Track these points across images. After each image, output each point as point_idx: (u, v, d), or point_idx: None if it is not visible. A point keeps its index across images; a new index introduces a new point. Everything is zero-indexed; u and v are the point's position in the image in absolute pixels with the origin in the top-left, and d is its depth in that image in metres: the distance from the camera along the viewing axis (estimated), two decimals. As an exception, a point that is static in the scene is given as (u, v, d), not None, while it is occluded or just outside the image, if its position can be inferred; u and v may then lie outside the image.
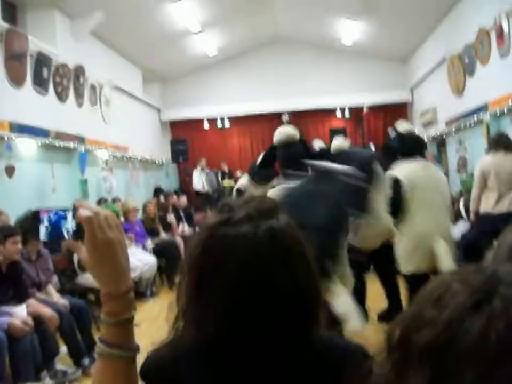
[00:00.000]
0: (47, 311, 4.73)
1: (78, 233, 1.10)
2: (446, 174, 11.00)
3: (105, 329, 1.10)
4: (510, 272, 0.65)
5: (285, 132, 4.39)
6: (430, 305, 0.65)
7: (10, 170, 6.89)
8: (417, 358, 0.63)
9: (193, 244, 1.12)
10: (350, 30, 12.34)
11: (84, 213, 1.06)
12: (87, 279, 6.16)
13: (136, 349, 1.12)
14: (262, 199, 1.15)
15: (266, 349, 1.04)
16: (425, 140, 5.65)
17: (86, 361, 4.95)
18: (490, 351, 0.58)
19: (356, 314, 3.29)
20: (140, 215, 9.50)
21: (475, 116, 9.09)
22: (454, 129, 10.46)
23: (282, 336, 1.04)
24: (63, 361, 5.10)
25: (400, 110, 14.48)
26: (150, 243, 8.60)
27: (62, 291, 5.70)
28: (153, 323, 5.50)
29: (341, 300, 3.21)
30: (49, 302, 5.06)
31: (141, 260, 7.61)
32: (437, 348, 0.62)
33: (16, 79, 7.18)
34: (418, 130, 13.25)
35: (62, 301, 5.21)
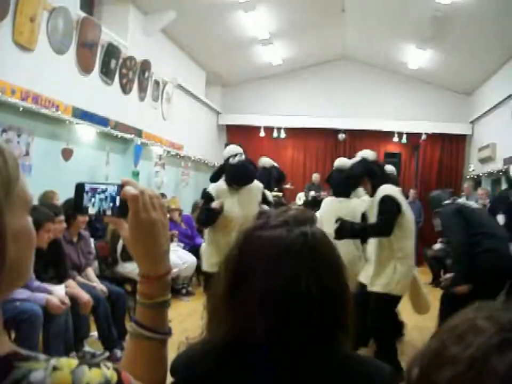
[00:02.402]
0: (84, 296, 4.82)
1: (122, 211, 1.09)
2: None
3: (139, 310, 1.11)
4: None
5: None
6: (453, 342, 0.61)
7: (67, 154, 7.08)
8: None
9: (231, 246, 1.15)
10: (417, 56, 12.22)
11: (130, 190, 1.07)
12: (126, 268, 6.28)
13: (168, 333, 1.13)
14: (299, 210, 1.18)
15: (294, 350, 1.05)
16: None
17: (118, 352, 5.01)
18: None
19: None
20: (188, 214, 9.65)
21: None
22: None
23: (309, 339, 1.05)
24: (93, 346, 5.20)
25: (458, 142, 14.23)
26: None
27: (100, 277, 5.80)
28: (183, 322, 5.54)
29: None
30: (88, 286, 5.13)
31: (180, 257, 7.70)
32: None
33: (84, 67, 7.39)
34: (474, 165, 13.06)
35: (100, 286, 5.30)
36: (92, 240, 5.89)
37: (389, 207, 4.40)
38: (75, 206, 1.14)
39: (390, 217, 4.37)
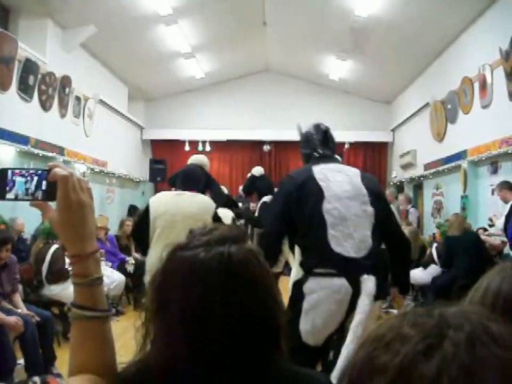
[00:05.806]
0: (10, 319, 4.59)
1: (50, 194, 1.10)
2: (421, 217, 11.12)
3: (76, 292, 1.12)
4: (457, 314, 0.63)
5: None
6: (381, 351, 0.62)
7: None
8: None
9: (158, 267, 1.14)
10: (338, 67, 12.51)
11: (60, 171, 1.08)
12: (53, 290, 6.06)
13: (109, 310, 1.15)
14: (230, 228, 1.17)
15: (226, 372, 1.04)
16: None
17: (37, 380, 4.75)
18: None
19: None
20: (115, 231, 9.41)
21: (453, 161, 9.23)
22: (431, 173, 10.59)
23: (239, 359, 1.04)
24: (21, 375, 4.96)
25: (380, 149, 14.65)
26: (132, 258, 8.60)
27: (25, 301, 5.55)
28: (115, 342, 5.38)
29: None
30: (13, 312, 4.88)
31: (108, 276, 7.50)
32: None
33: (1, 83, 7.12)
34: (396, 171, 13.46)
35: (27, 312, 5.05)
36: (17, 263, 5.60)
37: None
38: None
39: None
